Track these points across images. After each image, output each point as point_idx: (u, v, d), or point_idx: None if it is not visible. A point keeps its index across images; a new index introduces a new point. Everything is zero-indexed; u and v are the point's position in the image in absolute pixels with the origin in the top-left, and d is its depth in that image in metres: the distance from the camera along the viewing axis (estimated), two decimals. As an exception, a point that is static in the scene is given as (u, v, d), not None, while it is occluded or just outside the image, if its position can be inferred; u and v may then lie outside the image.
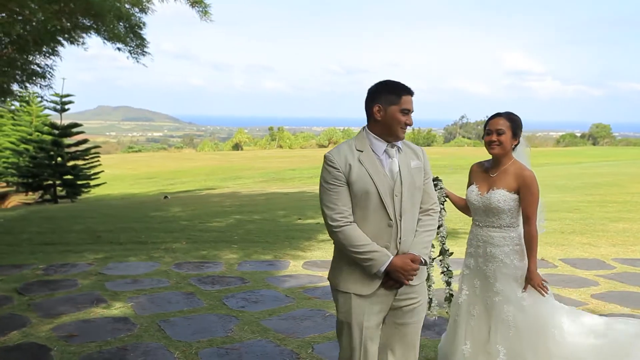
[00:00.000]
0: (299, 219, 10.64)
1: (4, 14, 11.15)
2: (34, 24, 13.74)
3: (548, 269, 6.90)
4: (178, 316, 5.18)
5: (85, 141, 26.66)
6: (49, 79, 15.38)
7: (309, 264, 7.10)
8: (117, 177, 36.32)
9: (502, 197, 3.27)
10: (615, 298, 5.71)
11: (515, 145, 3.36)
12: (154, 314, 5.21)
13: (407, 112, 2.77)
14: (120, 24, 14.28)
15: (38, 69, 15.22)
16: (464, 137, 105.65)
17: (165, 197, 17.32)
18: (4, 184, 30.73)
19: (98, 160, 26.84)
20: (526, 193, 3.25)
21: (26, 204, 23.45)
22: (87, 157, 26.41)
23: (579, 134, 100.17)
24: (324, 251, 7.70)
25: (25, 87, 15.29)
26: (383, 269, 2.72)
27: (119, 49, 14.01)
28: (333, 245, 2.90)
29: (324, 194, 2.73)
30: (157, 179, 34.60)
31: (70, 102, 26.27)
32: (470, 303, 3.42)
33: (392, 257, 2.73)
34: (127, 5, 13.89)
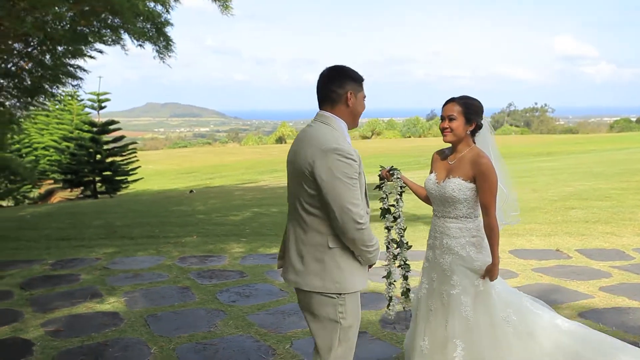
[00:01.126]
0: (316, 211, 10.55)
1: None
2: (64, 24, 14.09)
3: (561, 260, 6.59)
4: (167, 311, 5.17)
5: (122, 137, 27.30)
6: (79, 78, 15.78)
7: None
8: (158, 172, 37.04)
9: (457, 185, 3.08)
10: (626, 291, 5.39)
11: (473, 131, 3.16)
12: (144, 309, 5.21)
13: (365, 98, 2.79)
14: (147, 23, 14.52)
15: (70, 69, 15.63)
16: (511, 125, 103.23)
17: (191, 191, 17.51)
18: (51, 181, 31.74)
19: (135, 156, 27.46)
20: (482, 181, 3.05)
21: (69, 200, 24.22)
22: (124, 154, 27.06)
23: (634, 119, 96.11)
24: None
25: (57, 86, 15.73)
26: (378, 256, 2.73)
27: (141, 45, 14.22)
28: (325, 254, 2.62)
29: (348, 191, 2.50)
30: (197, 174, 35.08)
31: (107, 99, 26.96)
32: (429, 297, 3.25)
33: None
34: (151, 4, 14.08)
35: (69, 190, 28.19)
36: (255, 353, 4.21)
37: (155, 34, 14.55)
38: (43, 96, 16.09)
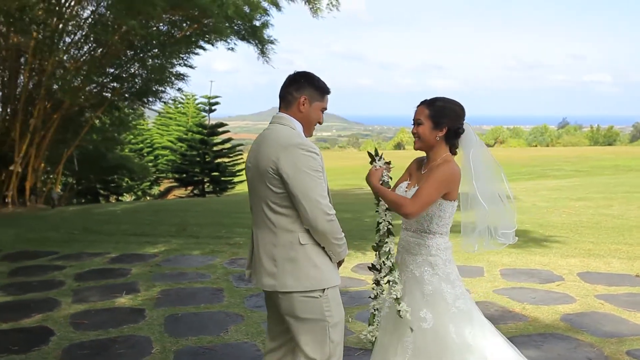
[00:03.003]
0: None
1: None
2: (171, 29, 14.99)
3: (636, 287, 5.80)
4: (190, 312, 5.17)
5: (229, 140, 28.49)
6: (185, 80, 16.70)
7: (359, 267, 6.76)
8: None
9: None
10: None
11: (448, 138, 2.79)
12: (169, 308, 5.24)
13: (324, 110, 2.80)
14: (245, 25, 15.04)
15: (181, 71, 16.60)
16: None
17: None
18: (171, 180, 33.82)
19: (241, 158, 28.46)
20: (428, 175, 2.74)
21: (179, 197, 25.66)
22: (231, 155, 28.17)
23: None
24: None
25: (164, 88, 16.75)
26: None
27: (231, 49, 14.70)
28: (297, 252, 2.60)
29: (316, 184, 2.53)
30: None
31: (217, 103, 28.28)
32: (386, 318, 2.92)
33: None
34: (245, 8, 14.56)
35: (184, 188, 29.83)
36: (249, 363, 4.07)
37: (252, 36, 15.03)
38: (152, 98, 17.23)
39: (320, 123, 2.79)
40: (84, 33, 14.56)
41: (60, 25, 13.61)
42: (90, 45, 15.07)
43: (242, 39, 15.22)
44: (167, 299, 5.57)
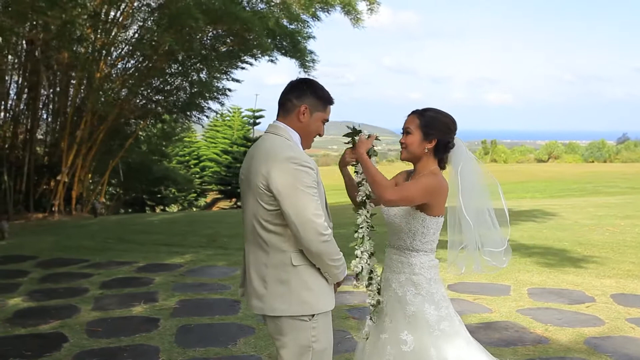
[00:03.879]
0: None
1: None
2: (214, 44, 15.26)
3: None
4: (204, 322, 5.16)
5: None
6: (227, 95, 16.96)
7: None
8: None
9: (399, 210, 2.64)
10: None
11: (437, 151, 2.69)
12: (184, 319, 5.25)
13: (325, 122, 2.63)
14: (286, 39, 15.20)
15: (227, 85, 16.88)
16: None
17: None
18: (216, 192, 34.34)
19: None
20: (412, 180, 2.66)
21: (222, 209, 26.01)
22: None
23: None
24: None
25: (207, 103, 17.05)
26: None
27: (272, 60, 14.87)
28: (289, 273, 2.45)
29: (310, 201, 2.34)
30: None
31: (262, 116, 28.71)
32: (370, 335, 2.82)
33: None
34: (285, 22, 14.69)
35: (229, 200, 30.21)
36: (251, 377, 4.02)
37: (292, 50, 15.15)
38: (195, 111, 17.54)
39: (320, 135, 2.61)
40: (130, 48, 15.00)
41: (107, 40, 14.05)
42: (136, 59, 15.49)
43: (284, 54, 15.34)
44: (183, 309, 5.58)
